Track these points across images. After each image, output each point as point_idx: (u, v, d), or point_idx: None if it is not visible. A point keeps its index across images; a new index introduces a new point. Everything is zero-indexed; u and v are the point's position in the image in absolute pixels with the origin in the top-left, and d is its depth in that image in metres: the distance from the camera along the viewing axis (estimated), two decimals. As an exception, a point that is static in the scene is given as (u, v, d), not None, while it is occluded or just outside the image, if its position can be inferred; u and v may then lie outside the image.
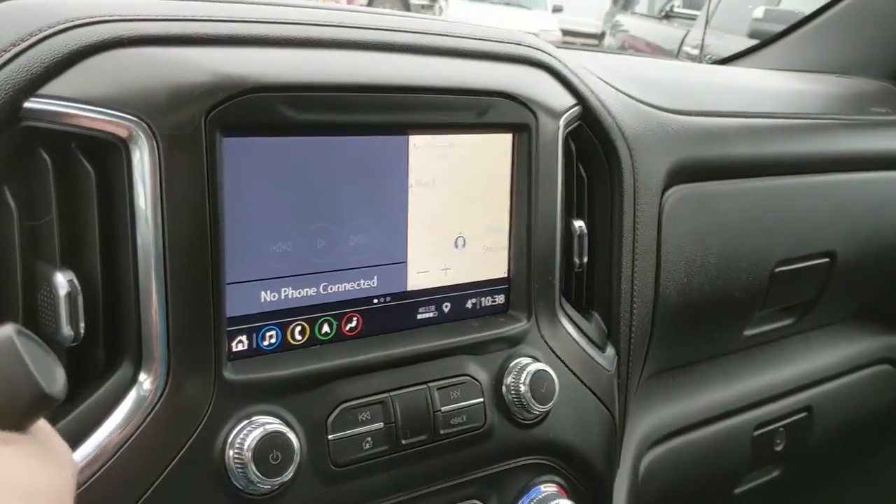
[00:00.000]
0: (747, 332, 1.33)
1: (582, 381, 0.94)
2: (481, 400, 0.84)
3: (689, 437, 1.27)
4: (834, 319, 1.51)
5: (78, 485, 0.64)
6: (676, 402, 1.27)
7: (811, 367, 1.45)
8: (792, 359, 1.43)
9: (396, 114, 0.78)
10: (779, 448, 1.42)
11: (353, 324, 0.79)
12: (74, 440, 0.65)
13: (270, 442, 0.69)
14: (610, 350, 1.01)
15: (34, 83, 0.62)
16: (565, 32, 12.86)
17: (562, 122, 0.90)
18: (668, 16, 9.35)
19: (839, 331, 1.53)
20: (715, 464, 1.32)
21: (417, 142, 0.79)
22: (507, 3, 13.07)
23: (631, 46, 8.98)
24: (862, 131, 1.43)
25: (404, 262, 0.81)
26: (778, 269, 1.27)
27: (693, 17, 6.78)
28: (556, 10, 14.06)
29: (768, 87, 1.42)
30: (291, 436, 0.71)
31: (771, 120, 1.26)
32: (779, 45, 1.74)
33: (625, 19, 10.97)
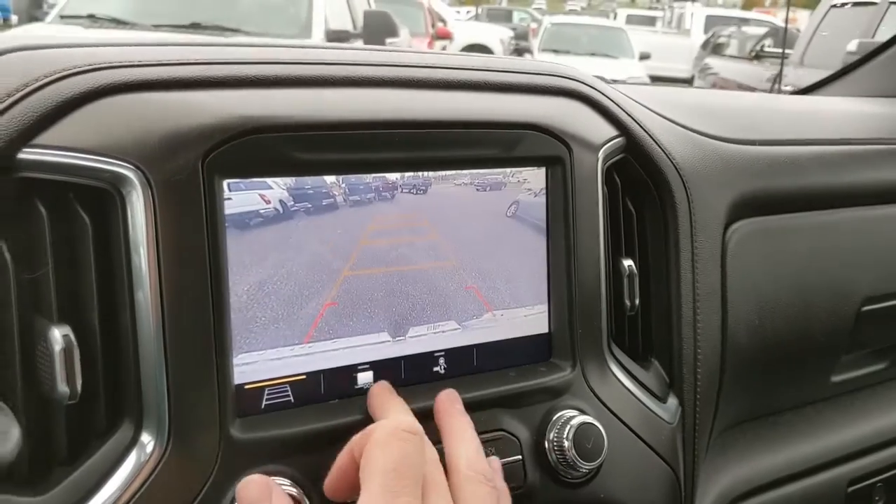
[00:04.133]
0: (835, 378, 1.22)
1: (637, 435, 0.86)
2: (520, 457, 0.77)
3: (774, 494, 1.16)
4: (936, 362, 1.37)
5: (77, 550, 0.61)
6: (758, 456, 1.17)
7: (911, 415, 1.31)
8: (889, 407, 1.30)
9: (414, 151, 0.73)
10: (878, 506, 1.29)
11: (369, 378, 0.74)
12: (75, 502, 0.61)
13: (279, 505, 0.64)
14: (672, 401, 0.93)
15: (28, 133, 0.60)
16: (654, 79, 12.78)
17: (601, 154, 0.84)
18: (758, 56, 9.18)
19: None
20: (804, 524, 1.20)
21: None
22: (593, 54, 13.07)
23: (721, 88, 8.83)
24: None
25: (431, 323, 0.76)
26: (865, 308, 1.16)
27: (785, 56, 6.62)
28: (644, 57, 13.99)
29: (844, 112, 1.32)
30: (304, 499, 0.66)
31: (848, 147, 1.17)
32: (861, 72, 1.63)
33: (714, 62, 10.84)
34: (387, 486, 0.56)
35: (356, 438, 0.62)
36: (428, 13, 11.54)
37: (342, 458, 0.63)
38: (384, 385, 0.72)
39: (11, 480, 0.61)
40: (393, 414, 0.67)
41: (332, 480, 0.65)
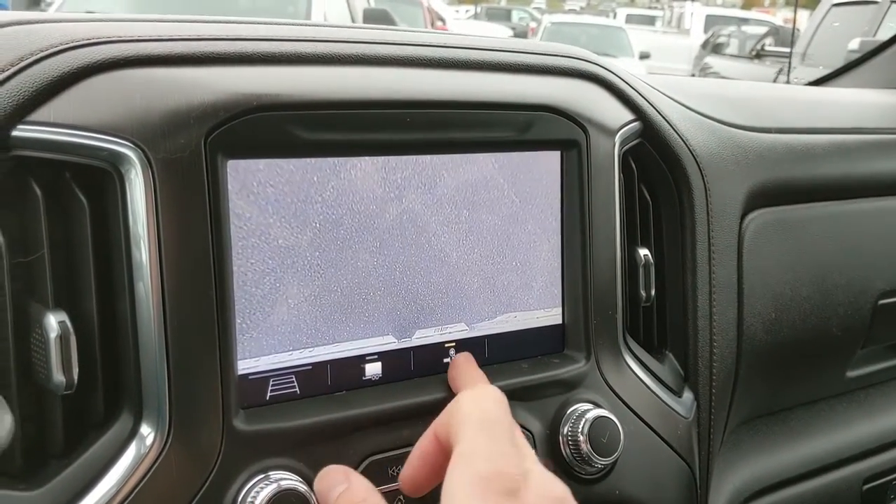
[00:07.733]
0: (850, 374, 1.19)
1: (653, 430, 0.83)
2: (532, 452, 0.74)
3: (788, 492, 1.13)
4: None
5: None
6: (772, 453, 1.14)
7: (928, 411, 1.29)
8: (905, 403, 1.27)
9: (425, 132, 0.70)
10: (894, 504, 1.26)
11: (377, 369, 0.71)
12: (71, 497, 0.58)
13: (285, 500, 0.61)
14: (687, 395, 0.90)
15: (23, 109, 0.57)
16: (653, 78, 12.74)
17: (617, 138, 0.81)
18: (758, 55, 9.14)
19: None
20: (819, 523, 1.18)
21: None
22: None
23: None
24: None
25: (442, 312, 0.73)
26: (882, 302, 1.14)
27: (785, 55, 6.59)
28: (644, 56, 13.97)
29: (858, 102, 1.30)
30: (311, 495, 0.63)
31: (864, 136, 1.14)
32: (870, 65, 1.61)
33: (714, 61, 10.81)
34: (487, 430, 0.53)
35: (440, 419, 0.58)
36: (427, 12, 11.50)
37: (424, 443, 0.59)
38: (468, 357, 0.72)
39: (5, 474, 0.58)
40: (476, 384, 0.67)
41: (412, 469, 0.59)
